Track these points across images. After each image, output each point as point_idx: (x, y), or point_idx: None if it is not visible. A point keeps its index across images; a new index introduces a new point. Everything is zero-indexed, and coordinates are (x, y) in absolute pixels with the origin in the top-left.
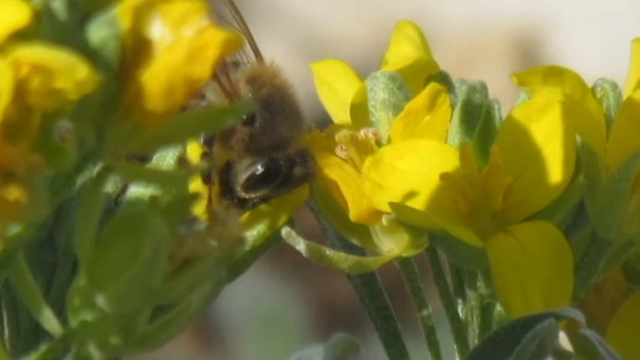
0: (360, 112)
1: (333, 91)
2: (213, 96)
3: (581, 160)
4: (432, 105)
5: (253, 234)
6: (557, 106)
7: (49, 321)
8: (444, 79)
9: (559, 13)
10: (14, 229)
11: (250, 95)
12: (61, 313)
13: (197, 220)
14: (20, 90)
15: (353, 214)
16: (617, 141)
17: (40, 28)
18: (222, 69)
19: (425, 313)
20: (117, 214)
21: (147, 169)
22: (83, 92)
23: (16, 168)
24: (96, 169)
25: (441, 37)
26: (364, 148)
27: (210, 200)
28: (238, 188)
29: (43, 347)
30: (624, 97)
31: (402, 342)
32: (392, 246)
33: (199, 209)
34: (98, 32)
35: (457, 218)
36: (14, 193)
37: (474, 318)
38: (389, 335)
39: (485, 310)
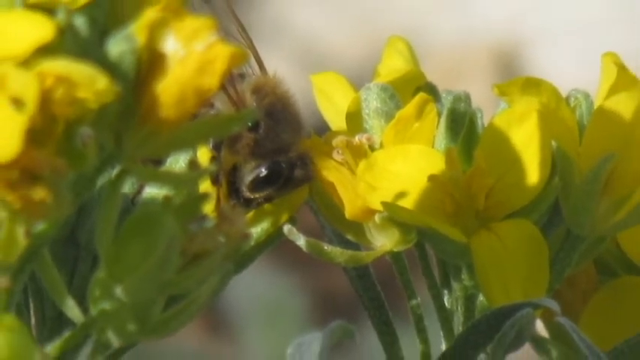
0: (355, 119)
1: (331, 101)
2: (222, 105)
3: (556, 163)
4: (420, 113)
5: (258, 231)
6: (534, 114)
7: (72, 310)
8: (431, 90)
9: (538, 31)
10: (40, 227)
11: (255, 104)
12: (82, 302)
13: (206, 218)
14: (45, 99)
15: (348, 213)
16: (588, 146)
17: (64, 43)
18: (230, 80)
19: (414, 302)
20: (133, 213)
21: (161, 172)
22: (103, 101)
23: (42, 170)
24: (114, 171)
25: (429, 52)
26: (359, 153)
27: (218, 200)
28: (244, 189)
29: (66, 334)
30: (595, 106)
31: (393, 329)
32: (384, 241)
33: (209, 208)
34: (116, 47)
35: (443, 216)
36: (40, 193)
37: (459, 307)
38: (381, 323)
39: (469, 300)
